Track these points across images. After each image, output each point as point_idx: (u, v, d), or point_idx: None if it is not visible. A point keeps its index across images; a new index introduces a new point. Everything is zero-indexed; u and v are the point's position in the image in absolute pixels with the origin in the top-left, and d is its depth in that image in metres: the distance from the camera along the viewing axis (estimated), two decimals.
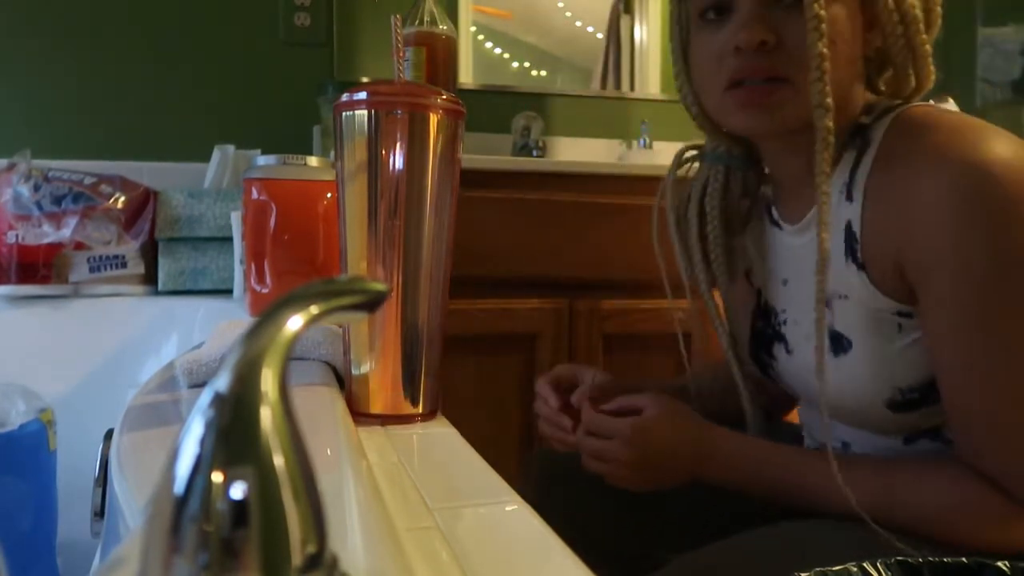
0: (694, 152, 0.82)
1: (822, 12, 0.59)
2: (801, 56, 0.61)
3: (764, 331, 0.79)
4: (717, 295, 0.82)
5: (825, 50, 0.59)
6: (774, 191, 0.77)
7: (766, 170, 0.78)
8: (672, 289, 0.83)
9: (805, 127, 0.63)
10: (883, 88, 0.71)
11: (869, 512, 0.59)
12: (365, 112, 0.58)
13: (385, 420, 0.59)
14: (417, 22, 1.51)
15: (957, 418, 0.61)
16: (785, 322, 0.75)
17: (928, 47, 0.67)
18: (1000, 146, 0.58)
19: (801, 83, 0.62)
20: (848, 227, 0.65)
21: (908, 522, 0.60)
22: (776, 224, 0.76)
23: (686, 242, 0.81)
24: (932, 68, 0.68)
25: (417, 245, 0.59)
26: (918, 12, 0.65)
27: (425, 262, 0.59)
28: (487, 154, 1.72)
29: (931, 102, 0.69)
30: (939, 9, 0.68)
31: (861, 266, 0.65)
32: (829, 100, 0.60)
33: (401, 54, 0.61)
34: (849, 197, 0.65)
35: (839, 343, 0.66)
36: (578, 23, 2.10)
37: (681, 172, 0.82)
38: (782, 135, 0.68)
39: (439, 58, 1.49)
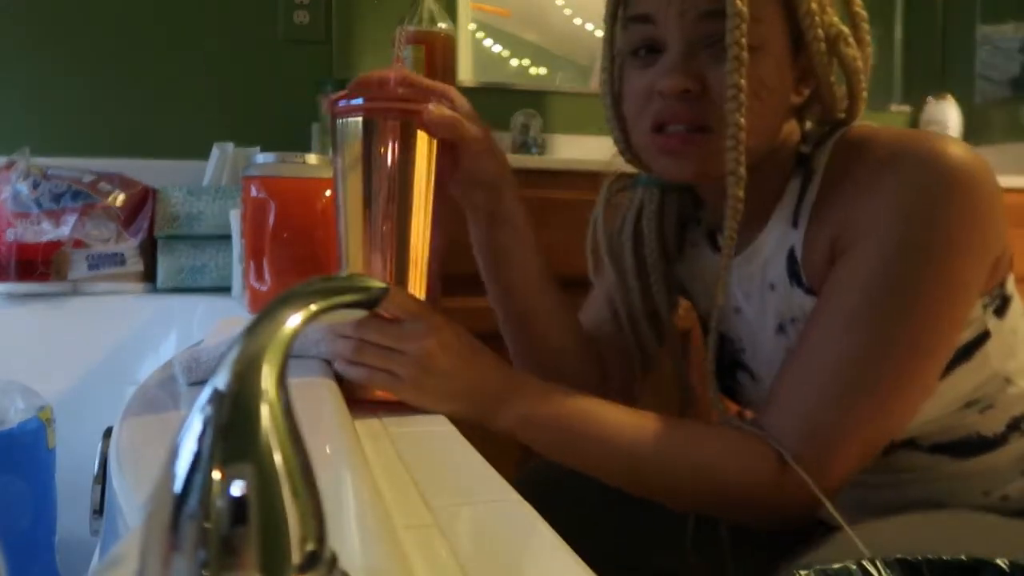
0: (624, 182, 0.80)
1: (741, 81, 0.58)
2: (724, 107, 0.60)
3: (721, 359, 0.78)
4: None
5: (742, 119, 0.58)
6: (716, 221, 0.76)
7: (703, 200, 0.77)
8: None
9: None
10: (809, 121, 0.71)
11: (652, 456, 0.60)
12: (360, 119, 0.61)
13: (385, 406, 0.59)
14: (416, 20, 1.51)
15: (777, 383, 0.62)
16: (744, 350, 0.75)
17: (865, 93, 0.67)
18: (953, 145, 0.59)
19: (723, 132, 0.60)
20: (791, 252, 0.66)
21: (687, 465, 0.61)
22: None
23: (620, 267, 0.79)
24: (863, 108, 0.68)
25: (407, 239, 0.62)
26: (859, 64, 0.65)
27: (415, 254, 0.63)
28: None
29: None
30: (870, 50, 0.67)
31: (808, 290, 0.65)
32: (742, 169, 0.60)
33: (400, 62, 0.63)
34: (795, 224, 0.66)
35: None
36: (577, 20, 2.10)
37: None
38: (714, 181, 0.66)
39: (438, 56, 1.49)
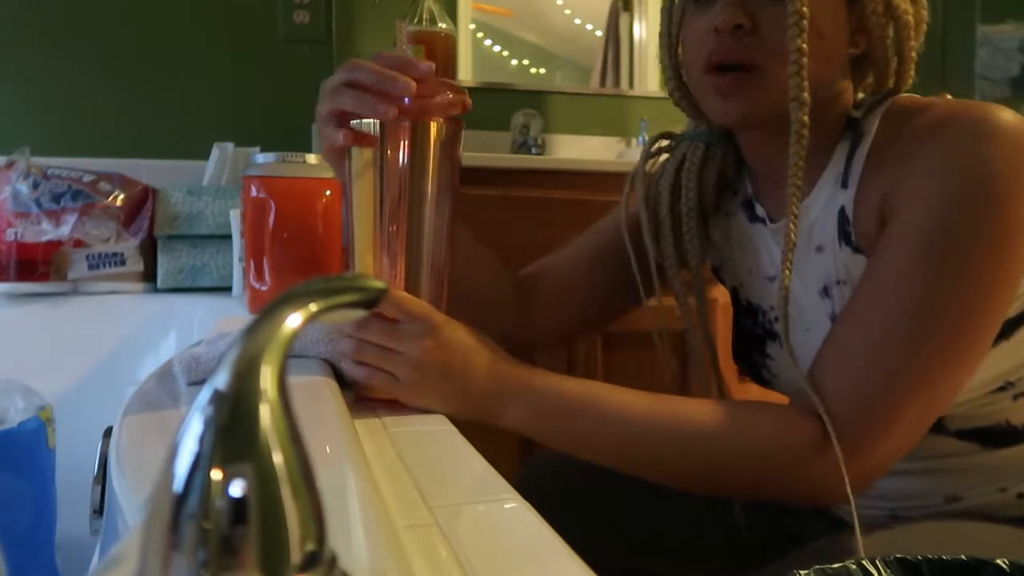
0: (667, 142, 0.81)
1: (804, 9, 0.59)
2: (775, 44, 0.62)
3: (752, 331, 0.78)
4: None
5: (804, 45, 0.60)
6: (755, 188, 0.77)
7: (747, 165, 0.78)
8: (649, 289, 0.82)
9: (783, 121, 0.63)
10: (862, 92, 0.72)
11: (687, 442, 0.59)
12: (372, 120, 0.62)
13: (391, 405, 0.59)
14: (416, 20, 1.51)
15: (826, 345, 0.62)
16: (778, 319, 0.75)
17: (914, 53, 0.68)
18: (1005, 113, 0.60)
19: (772, 72, 0.62)
20: (841, 212, 0.66)
21: (728, 447, 0.60)
22: (760, 221, 0.76)
23: (656, 215, 0.79)
24: (913, 72, 0.69)
25: (419, 238, 0.62)
26: (910, 19, 0.66)
27: (426, 254, 0.63)
28: (486, 151, 1.72)
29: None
30: (925, 12, 0.69)
31: (857, 248, 0.65)
32: (805, 95, 0.61)
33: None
34: (844, 184, 0.66)
35: None
36: (577, 20, 2.10)
37: (650, 164, 0.82)
38: (760, 127, 0.68)
39: (438, 56, 1.48)
